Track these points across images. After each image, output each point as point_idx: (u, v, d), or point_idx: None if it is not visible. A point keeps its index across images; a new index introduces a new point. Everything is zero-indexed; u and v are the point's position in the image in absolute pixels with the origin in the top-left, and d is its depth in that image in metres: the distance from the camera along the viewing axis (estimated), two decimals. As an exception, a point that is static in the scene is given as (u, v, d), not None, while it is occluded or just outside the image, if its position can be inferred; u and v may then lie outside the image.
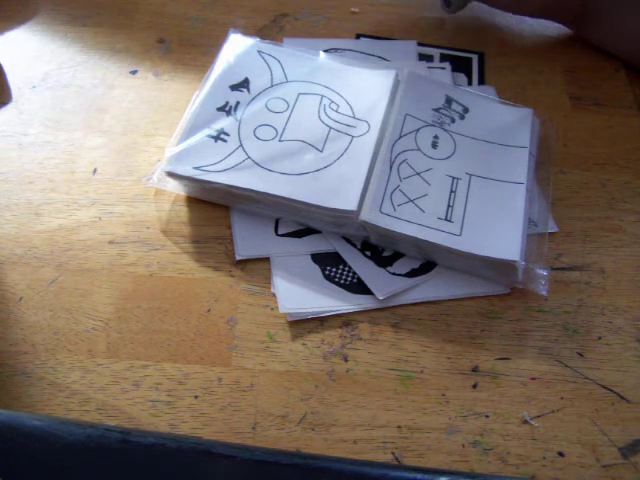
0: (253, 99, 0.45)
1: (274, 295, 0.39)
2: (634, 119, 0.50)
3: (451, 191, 0.41)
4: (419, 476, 0.29)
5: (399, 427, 0.35)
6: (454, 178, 0.42)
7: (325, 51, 0.49)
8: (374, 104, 0.45)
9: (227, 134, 0.43)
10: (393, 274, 0.40)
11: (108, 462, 0.28)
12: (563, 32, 0.56)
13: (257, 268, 0.40)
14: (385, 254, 0.41)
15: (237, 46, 0.48)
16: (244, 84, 0.46)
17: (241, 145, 0.42)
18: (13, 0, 0.55)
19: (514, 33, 0.56)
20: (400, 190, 0.40)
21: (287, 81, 0.46)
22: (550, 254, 0.42)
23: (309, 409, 0.35)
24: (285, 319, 0.38)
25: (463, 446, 0.34)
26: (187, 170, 0.41)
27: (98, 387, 0.35)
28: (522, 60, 0.54)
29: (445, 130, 0.44)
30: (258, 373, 0.36)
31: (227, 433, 0.34)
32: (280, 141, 0.43)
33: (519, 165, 0.43)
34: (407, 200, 0.40)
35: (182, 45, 0.53)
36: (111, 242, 0.41)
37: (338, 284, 0.40)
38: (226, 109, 0.44)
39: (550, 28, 0.57)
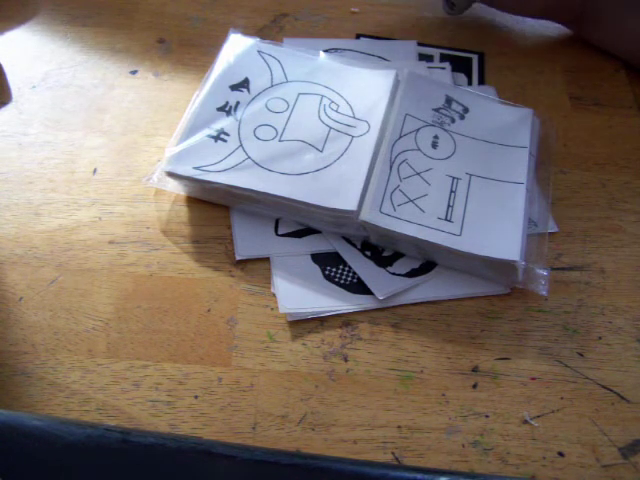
0: (253, 99, 0.45)
1: (274, 295, 0.39)
2: (634, 119, 0.50)
3: (451, 191, 0.41)
4: (419, 476, 0.29)
5: (399, 427, 0.35)
6: (454, 178, 0.42)
7: (325, 51, 0.49)
8: (374, 104, 0.45)
9: (227, 134, 0.43)
10: (393, 274, 0.40)
11: (108, 462, 0.28)
12: (563, 32, 0.56)
13: (257, 268, 0.40)
14: (385, 254, 0.41)
15: (237, 46, 0.48)
16: (244, 84, 0.46)
17: (241, 145, 0.42)
18: (13, 0, 0.55)
19: (514, 33, 0.56)
20: (400, 190, 0.40)
21: (287, 81, 0.46)
22: (550, 254, 0.42)
23: (309, 409, 0.35)
24: (285, 319, 0.38)
25: (463, 446, 0.34)
26: (187, 170, 0.41)
27: (98, 387, 0.35)
28: (522, 60, 0.54)
29: (445, 130, 0.44)
30: (258, 373, 0.36)
31: (227, 433, 0.34)
32: (280, 141, 0.43)
33: (519, 165, 0.43)
34: (407, 200, 0.40)
35: (182, 45, 0.53)
36: (111, 242, 0.41)
37: (338, 284, 0.40)
38: (226, 109, 0.44)
39: (550, 28, 0.57)
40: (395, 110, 0.44)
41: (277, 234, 0.42)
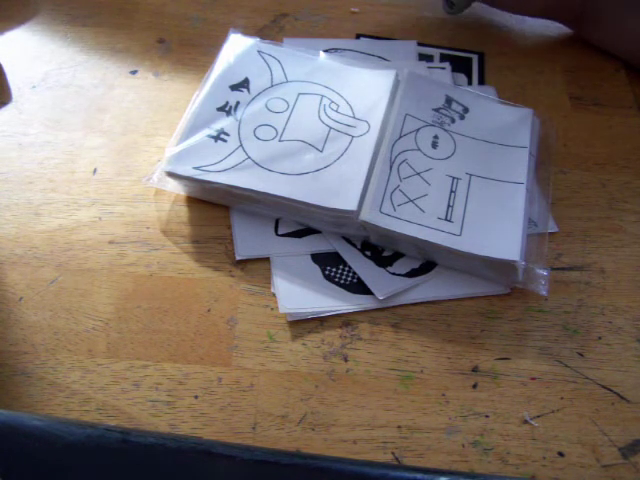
0: (253, 99, 0.45)
1: (274, 295, 0.39)
2: (634, 119, 0.50)
3: (451, 191, 0.41)
4: (419, 476, 0.29)
5: (399, 427, 0.35)
6: (454, 178, 0.42)
7: (325, 51, 0.49)
8: (374, 104, 0.45)
9: (227, 134, 0.43)
10: (393, 274, 0.40)
11: (108, 462, 0.28)
12: (563, 32, 0.56)
13: (257, 268, 0.40)
14: (385, 254, 0.41)
15: (237, 46, 0.48)
16: (244, 84, 0.46)
17: (241, 145, 0.42)
18: (13, 0, 0.55)
19: (514, 33, 0.56)
20: (400, 190, 0.40)
21: (287, 81, 0.46)
22: (550, 254, 0.42)
23: (309, 409, 0.35)
24: (285, 319, 0.38)
25: (463, 446, 0.34)
26: (187, 170, 0.41)
27: (98, 387, 0.35)
28: (522, 60, 0.54)
29: (445, 130, 0.44)
30: (258, 373, 0.36)
31: (227, 433, 0.34)
32: (280, 141, 0.43)
33: (519, 165, 0.43)
34: (407, 200, 0.40)
35: (182, 45, 0.53)
36: (111, 242, 0.41)
37: (338, 284, 0.40)
38: (226, 109, 0.44)
39: (550, 28, 0.57)
40: (395, 110, 0.44)
41: (277, 234, 0.42)
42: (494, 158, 0.43)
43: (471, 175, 0.42)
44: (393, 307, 0.39)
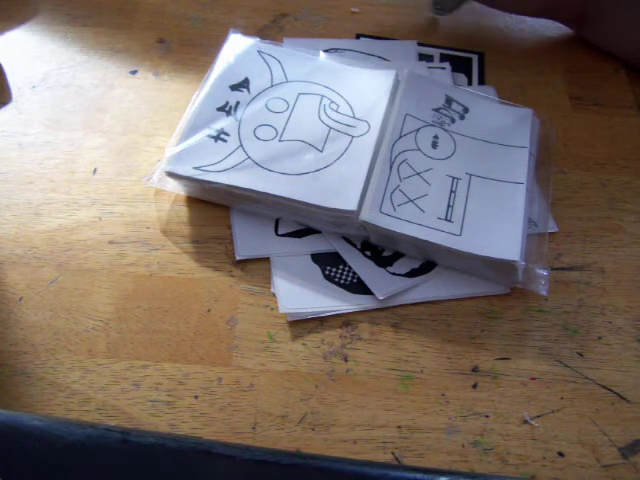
0: (253, 99, 0.45)
1: (274, 295, 0.39)
2: (634, 119, 0.50)
3: (451, 191, 0.41)
4: (419, 476, 0.29)
5: (399, 427, 0.35)
6: (454, 178, 0.42)
7: (325, 51, 0.49)
8: (374, 104, 0.45)
9: (227, 134, 0.43)
10: (393, 274, 0.40)
11: (108, 462, 0.28)
12: (563, 32, 0.56)
13: (257, 268, 0.40)
14: (385, 254, 0.41)
15: (237, 46, 0.48)
16: (244, 84, 0.46)
17: (241, 145, 0.42)
18: (13, 0, 0.55)
19: (514, 33, 0.56)
20: (400, 190, 0.40)
21: (287, 81, 0.46)
22: (550, 254, 0.42)
23: (309, 409, 0.35)
24: (285, 319, 0.38)
25: (463, 446, 0.34)
26: (187, 170, 0.41)
27: (98, 387, 0.35)
28: (522, 60, 0.54)
29: (445, 130, 0.44)
30: (258, 373, 0.36)
31: (227, 433, 0.34)
32: (280, 141, 0.43)
33: (519, 165, 0.43)
34: (407, 200, 0.40)
35: (182, 45, 0.53)
36: (111, 242, 0.41)
37: (338, 284, 0.40)
38: (226, 109, 0.44)
39: (550, 28, 0.57)
40: (395, 110, 0.44)
41: (277, 234, 0.42)
42: (494, 158, 0.43)
43: (471, 175, 0.42)
44: (393, 307, 0.39)
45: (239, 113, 0.44)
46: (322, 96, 0.45)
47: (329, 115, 0.44)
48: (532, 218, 0.42)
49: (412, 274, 0.40)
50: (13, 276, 0.39)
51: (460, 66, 0.53)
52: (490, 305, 0.40)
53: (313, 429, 0.34)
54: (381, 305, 0.39)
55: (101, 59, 0.51)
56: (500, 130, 0.45)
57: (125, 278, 0.39)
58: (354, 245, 0.41)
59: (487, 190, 0.41)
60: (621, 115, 0.50)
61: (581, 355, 0.38)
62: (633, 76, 0.53)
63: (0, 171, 0.44)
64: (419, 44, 0.54)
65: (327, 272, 0.40)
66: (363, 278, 0.40)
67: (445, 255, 0.40)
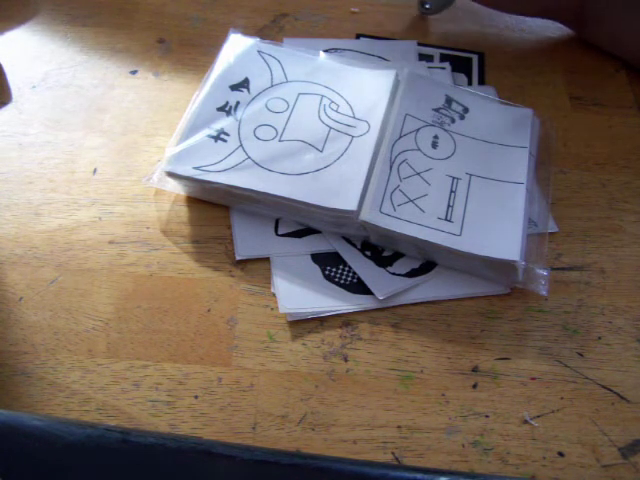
0: (253, 99, 0.45)
1: (274, 295, 0.39)
2: (634, 119, 0.50)
3: (451, 191, 0.41)
4: (419, 476, 0.29)
5: (399, 427, 0.35)
6: (454, 178, 0.42)
7: (325, 51, 0.49)
8: (374, 104, 0.45)
9: (227, 134, 0.43)
10: (393, 274, 0.40)
11: (108, 462, 0.28)
12: (563, 32, 0.56)
13: (257, 268, 0.40)
14: (385, 254, 0.41)
15: (237, 46, 0.48)
16: (244, 84, 0.46)
17: (241, 145, 0.42)
18: (13, 0, 0.55)
19: (514, 33, 0.56)
20: (400, 190, 0.40)
21: (287, 81, 0.46)
22: (550, 254, 0.42)
23: (309, 409, 0.35)
24: (285, 319, 0.38)
25: (463, 446, 0.34)
26: (187, 170, 0.41)
27: (98, 387, 0.35)
28: (522, 60, 0.54)
29: (445, 130, 0.44)
30: (258, 373, 0.36)
31: (227, 433, 0.34)
32: (280, 141, 0.43)
33: (519, 165, 0.43)
34: (407, 200, 0.40)
35: (182, 45, 0.53)
36: (111, 242, 0.41)
37: (338, 284, 0.40)
38: (226, 109, 0.44)
39: (550, 28, 0.57)
40: (395, 110, 0.44)
41: (277, 234, 0.42)
42: (494, 158, 0.43)
43: (471, 175, 0.42)
44: (393, 307, 0.39)
45: (239, 113, 0.44)
46: (322, 96, 0.45)
47: (329, 115, 0.44)
48: (532, 218, 0.42)
49: (412, 274, 0.40)
50: (13, 276, 0.39)
51: (460, 66, 0.53)
52: (490, 305, 0.40)
53: (313, 429, 0.34)
54: (381, 305, 0.39)
55: (101, 59, 0.51)
56: (500, 130, 0.45)
57: (125, 278, 0.39)
58: (354, 245, 0.41)
59: (487, 190, 0.41)
60: (621, 115, 0.50)
61: (581, 355, 0.38)
62: (633, 76, 0.53)
63: (0, 171, 0.44)
64: (419, 44, 0.54)
65: (327, 272, 0.40)
66: (363, 278, 0.40)
67: (445, 255, 0.40)
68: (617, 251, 0.42)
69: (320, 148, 0.42)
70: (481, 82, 0.52)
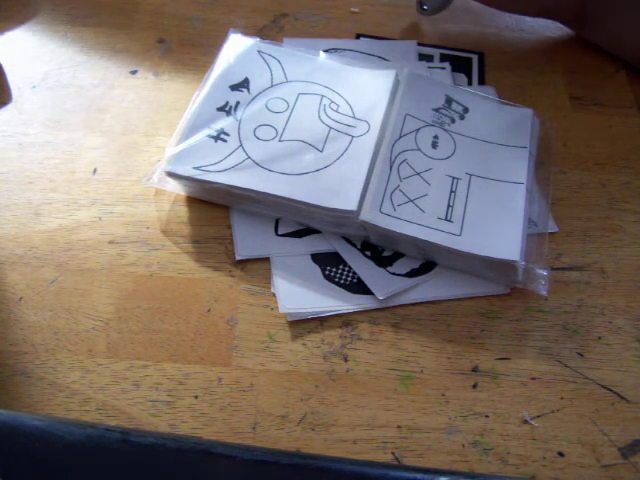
0: (253, 99, 0.45)
1: (274, 295, 0.39)
2: (634, 119, 0.50)
3: (451, 191, 0.41)
4: (419, 476, 0.29)
5: (399, 427, 0.35)
6: (454, 178, 0.42)
7: (325, 51, 0.49)
8: (374, 104, 0.45)
9: (227, 134, 0.43)
10: (393, 274, 0.40)
11: (108, 462, 0.28)
12: (563, 32, 0.56)
13: (257, 268, 0.40)
14: (385, 254, 0.41)
15: (237, 46, 0.48)
16: (244, 84, 0.46)
17: (241, 145, 0.42)
18: (13, 0, 0.55)
19: (514, 33, 0.56)
20: (400, 190, 0.40)
21: (287, 81, 0.46)
22: (550, 254, 0.42)
23: (309, 409, 0.35)
24: (285, 319, 0.38)
25: (463, 446, 0.34)
26: (187, 170, 0.41)
27: (98, 387, 0.35)
28: (522, 60, 0.54)
29: (445, 130, 0.44)
30: (258, 373, 0.36)
31: (227, 433, 0.34)
32: (280, 141, 0.43)
33: (519, 165, 0.43)
34: (407, 200, 0.40)
35: (182, 45, 0.53)
36: (111, 242, 0.41)
37: (338, 284, 0.40)
38: (226, 109, 0.44)
39: (550, 28, 0.57)
40: (395, 110, 0.44)
41: (277, 234, 0.42)
42: (494, 158, 0.43)
43: (471, 175, 0.42)
44: (393, 307, 0.39)
45: (239, 113, 0.44)
46: (322, 96, 0.45)
47: (329, 115, 0.44)
48: (532, 218, 0.42)
49: (412, 274, 0.40)
50: (13, 276, 0.39)
51: (460, 66, 0.53)
52: (490, 305, 0.40)
53: (313, 429, 0.34)
54: (381, 305, 0.39)
55: (101, 59, 0.51)
56: (500, 130, 0.45)
57: (125, 278, 0.39)
58: (354, 245, 0.41)
59: (487, 190, 0.41)
60: (621, 115, 0.50)
61: (581, 355, 0.38)
62: (633, 76, 0.53)
63: (0, 171, 0.44)
64: (419, 44, 0.54)
65: (327, 272, 0.40)
66: (363, 278, 0.40)
67: (445, 255, 0.40)
68: (617, 251, 0.42)
69: (320, 148, 0.42)
70: (481, 82, 0.52)
